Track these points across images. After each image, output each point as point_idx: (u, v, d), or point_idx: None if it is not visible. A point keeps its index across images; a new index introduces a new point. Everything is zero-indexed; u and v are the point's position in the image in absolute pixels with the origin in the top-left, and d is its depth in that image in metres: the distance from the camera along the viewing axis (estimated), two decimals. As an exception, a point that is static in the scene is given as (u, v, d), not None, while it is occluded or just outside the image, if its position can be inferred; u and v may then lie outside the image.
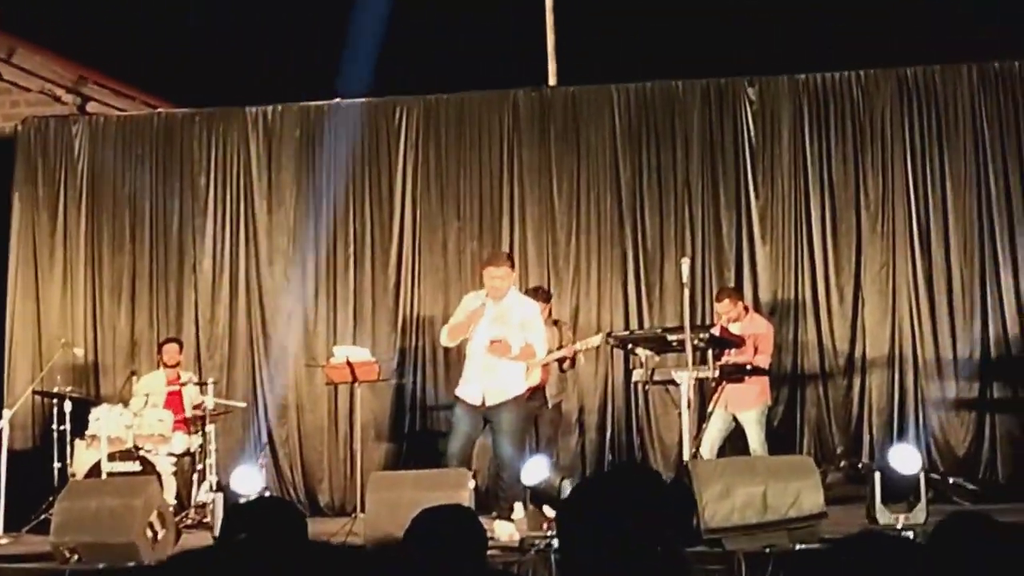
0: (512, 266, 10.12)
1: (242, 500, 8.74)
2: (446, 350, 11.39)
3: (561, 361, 11.20)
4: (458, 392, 9.91)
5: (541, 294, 11.29)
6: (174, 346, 12.20)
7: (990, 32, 12.91)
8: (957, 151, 12.27)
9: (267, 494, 9.71)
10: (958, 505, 10.85)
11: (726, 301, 11.10)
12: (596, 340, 11.25)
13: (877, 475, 9.01)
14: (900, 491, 9.18)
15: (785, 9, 13.20)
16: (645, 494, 2.69)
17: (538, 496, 9.63)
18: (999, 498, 10.99)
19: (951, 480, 11.39)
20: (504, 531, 9.30)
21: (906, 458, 9.15)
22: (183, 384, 11.96)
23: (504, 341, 9.63)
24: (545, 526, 9.02)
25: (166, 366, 12.10)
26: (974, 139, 12.26)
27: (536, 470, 9.60)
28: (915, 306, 12.16)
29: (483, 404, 9.65)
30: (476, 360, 9.78)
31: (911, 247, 12.22)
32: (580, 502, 2.75)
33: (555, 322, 11.40)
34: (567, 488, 9.33)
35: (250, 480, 10.04)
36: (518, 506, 10.22)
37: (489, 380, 9.68)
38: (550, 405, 11.28)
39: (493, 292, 9.77)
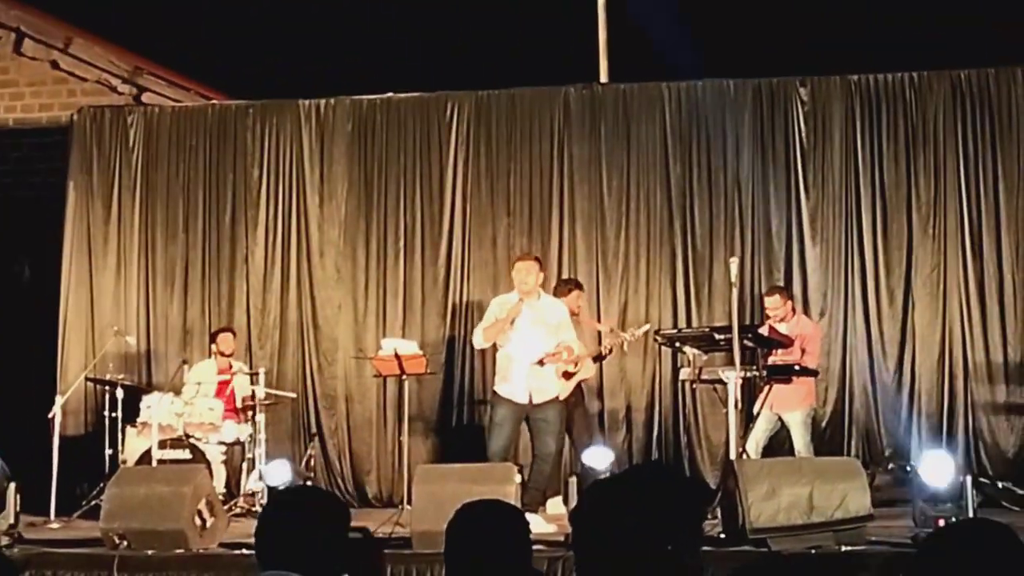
0: (540, 265, 10.29)
1: (282, 489, 8.81)
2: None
3: (597, 356, 11.38)
4: (500, 391, 10.18)
5: (574, 284, 11.48)
6: (228, 335, 12.26)
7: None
8: (1010, 154, 12.19)
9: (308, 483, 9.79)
10: (1007, 509, 10.79)
11: (776, 296, 11.10)
12: (644, 328, 11.43)
13: (918, 479, 8.97)
14: (947, 494, 9.15)
15: (838, 9, 13.16)
16: (658, 494, 2.71)
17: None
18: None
19: (1000, 484, 11.33)
20: (535, 523, 9.32)
21: (939, 467, 9.03)
22: (234, 373, 12.04)
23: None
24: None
25: (221, 355, 12.15)
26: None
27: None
28: (966, 309, 12.08)
29: (530, 402, 9.88)
30: (522, 361, 10.00)
31: (962, 250, 12.15)
32: (593, 502, 2.77)
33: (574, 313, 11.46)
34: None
35: (280, 473, 10.16)
36: (556, 500, 10.39)
37: (535, 380, 10.05)
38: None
39: (523, 288, 10.00)
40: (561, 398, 10.60)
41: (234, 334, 12.34)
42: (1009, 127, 12.23)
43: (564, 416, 10.51)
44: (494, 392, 10.38)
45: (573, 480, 9.90)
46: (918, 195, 12.27)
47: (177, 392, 11.65)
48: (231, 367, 12.08)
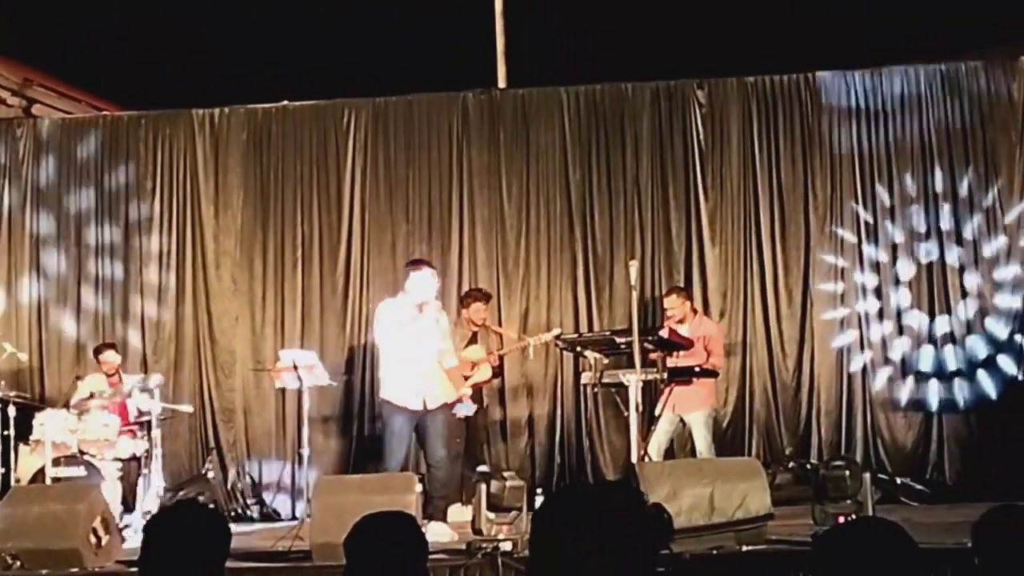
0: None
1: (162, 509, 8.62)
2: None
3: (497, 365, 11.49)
4: (392, 399, 9.90)
5: (483, 295, 11.44)
6: (110, 352, 11.97)
7: (939, 33, 13.00)
8: (904, 153, 12.31)
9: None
10: (906, 506, 10.90)
11: (674, 296, 11.13)
12: (553, 333, 11.40)
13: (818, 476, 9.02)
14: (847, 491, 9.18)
15: (735, 12, 13.25)
16: (627, 513, 2.66)
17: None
18: (946, 499, 11.07)
19: (899, 481, 11.44)
20: (440, 533, 9.28)
21: None
22: (128, 393, 11.81)
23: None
24: (496, 531, 8.91)
25: (105, 374, 11.93)
26: (920, 142, 12.31)
27: None
28: (864, 307, 12.20)
29: (424, 408, 9.73)
30: (417, 366, 9.82)
31: (859, 249, 12.26)
32: (560, 511, 2.71)
33: (478, 324, 11.44)
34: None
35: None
36: (456, 507, 10.32)
37: (429, 385, 9.85)
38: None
39: (427, 295, 9.86)
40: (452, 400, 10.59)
41: (116, 350, 12.10)
42: (903, 127, 12.35)
43: (453, 421, 10.42)
44: (386, 401, 9.99)
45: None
46: (815, 195, 12.36)
47: (67, 407, 11.43)
48: (121, 382, 11.85)
